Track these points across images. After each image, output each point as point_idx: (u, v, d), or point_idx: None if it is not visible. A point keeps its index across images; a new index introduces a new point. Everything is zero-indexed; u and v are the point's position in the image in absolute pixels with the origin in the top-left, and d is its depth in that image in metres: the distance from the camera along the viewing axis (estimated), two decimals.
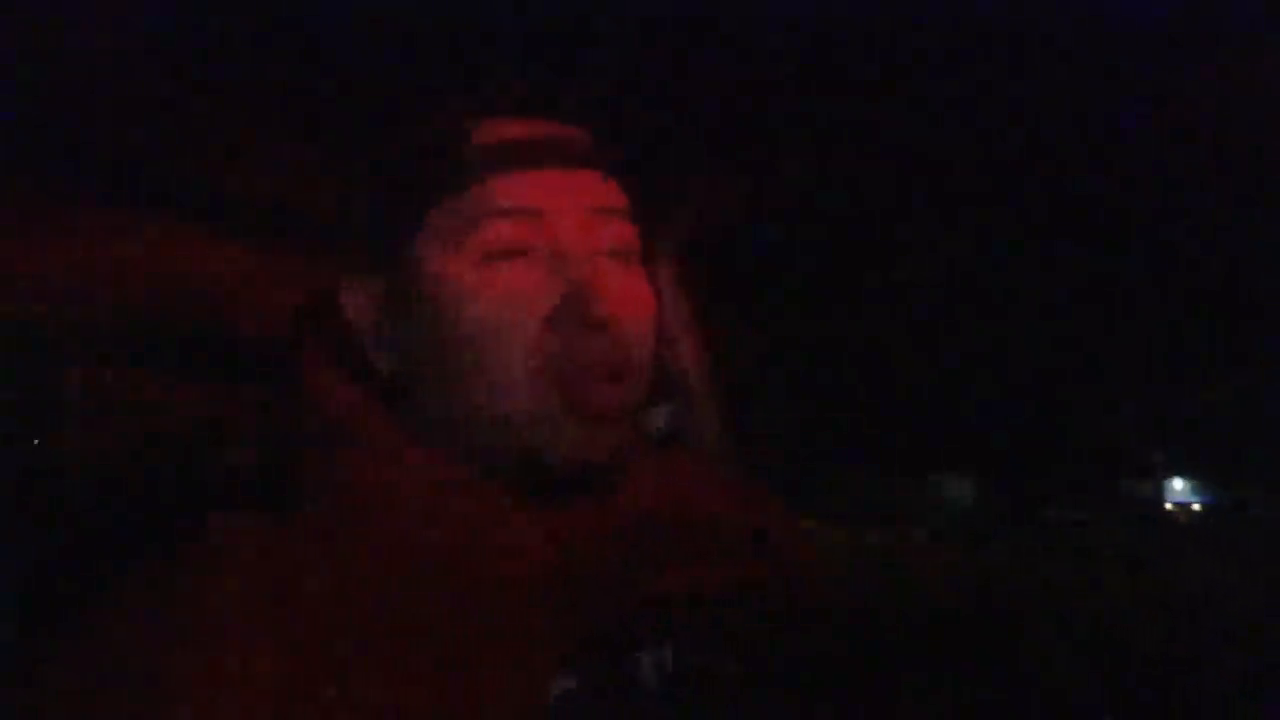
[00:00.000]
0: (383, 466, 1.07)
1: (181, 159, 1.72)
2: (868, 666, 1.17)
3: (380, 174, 1.14)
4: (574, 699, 0.99)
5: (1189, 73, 1.84)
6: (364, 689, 0.94)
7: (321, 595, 0.98)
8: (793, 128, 1.93)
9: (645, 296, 1.11)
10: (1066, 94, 1.92)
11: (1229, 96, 1.91)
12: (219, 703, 0.90)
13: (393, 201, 1.11)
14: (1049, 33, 1.76)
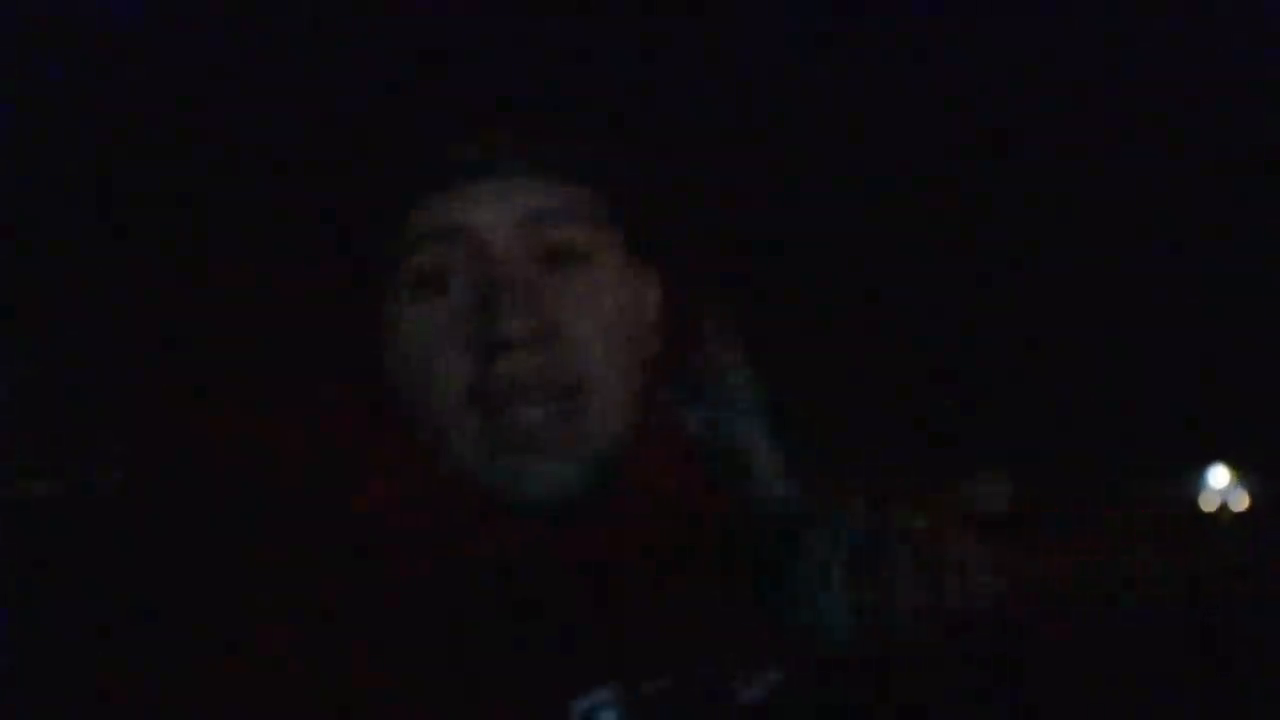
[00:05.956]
0: (387, 486, 1.07)
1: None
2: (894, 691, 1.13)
3: (344, 211, 1.14)
4: None
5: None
6: (375, 713, 0.94)
7: (328, 616, 0.98)
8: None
9: (594, 302, 1.06)
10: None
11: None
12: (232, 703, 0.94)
13: (356, 234, 1.11)
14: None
